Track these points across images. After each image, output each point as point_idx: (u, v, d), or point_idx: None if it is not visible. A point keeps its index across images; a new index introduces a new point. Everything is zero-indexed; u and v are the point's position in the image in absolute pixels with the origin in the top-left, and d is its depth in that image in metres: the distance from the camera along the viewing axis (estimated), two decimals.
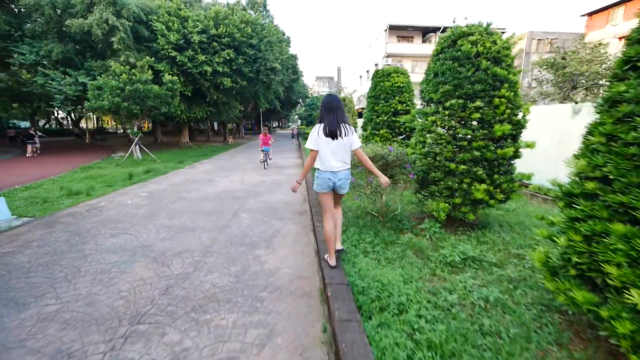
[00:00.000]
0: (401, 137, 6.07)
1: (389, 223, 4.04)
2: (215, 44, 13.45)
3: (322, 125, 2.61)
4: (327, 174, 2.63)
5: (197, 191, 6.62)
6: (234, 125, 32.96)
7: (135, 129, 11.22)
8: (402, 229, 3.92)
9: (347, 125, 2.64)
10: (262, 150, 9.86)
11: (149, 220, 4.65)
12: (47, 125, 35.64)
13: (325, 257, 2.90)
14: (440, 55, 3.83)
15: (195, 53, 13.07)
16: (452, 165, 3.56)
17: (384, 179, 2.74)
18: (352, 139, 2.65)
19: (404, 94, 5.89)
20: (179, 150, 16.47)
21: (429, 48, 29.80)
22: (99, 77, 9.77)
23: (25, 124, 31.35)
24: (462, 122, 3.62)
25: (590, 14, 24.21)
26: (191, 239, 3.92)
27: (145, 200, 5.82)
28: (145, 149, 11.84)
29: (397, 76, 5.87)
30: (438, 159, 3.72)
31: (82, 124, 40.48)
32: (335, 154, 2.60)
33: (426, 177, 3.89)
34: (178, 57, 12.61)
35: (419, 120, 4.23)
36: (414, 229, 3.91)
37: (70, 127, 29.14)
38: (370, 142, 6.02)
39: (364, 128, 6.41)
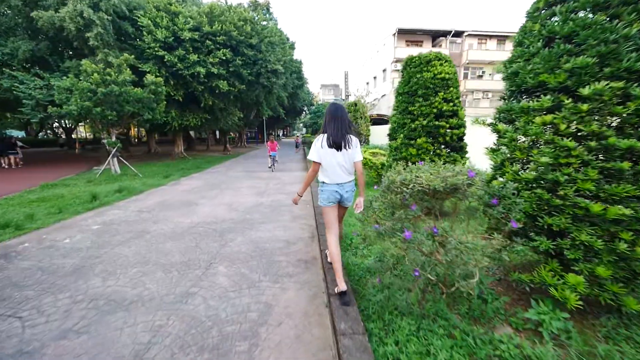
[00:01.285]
0: (445, 147, 4.38)
1: (462, 305, 2.31)
2: (209, 42, 12.05)
3: (326, 135, 2.45)
4: (334, 187, 2.48)
5: (167, 221, 4.97)
6: (237, 133, 31.60)
7: (114, 139, 9.72)
8: (488, 315, 2.19)
9: (351, 135, 2.48)
10: (270, 156, 11.10)
11: (73, 281, 2.99)
12: (40, 135, 34.64)
13: (335, 289, 2.42)
14: (556, 6, 2.17)
15: (186, 52, 11.67)
16: (595, 207, 1.87)
17: (362, 200, 2.49)
18: (355, 150, 2.48)
19: (451, 88, 4.23)
20: (170, 162, 14.97)
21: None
22: (65, 77, 8.31)
23: (20, 133, 30.38)
24: (619, 123, 1.93)
25: None
26: (118, 328, 2.25)
27: (91, 239, 4.17)
28: (124, 161, 10.32)
29: (441, 64, 4.23)
30: (563, 192, 2.02)
31: (80, 132, 39.65)
32: (342, 165, 2.45)
33: (532, 222, 2.19)
34: (166, 57, 11.21)
35: (503, 125, 2.55)
36: (510, 316, 2.19)
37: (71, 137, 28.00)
38: (403, 156, 4.33)
39: (391, 136, 4.74)
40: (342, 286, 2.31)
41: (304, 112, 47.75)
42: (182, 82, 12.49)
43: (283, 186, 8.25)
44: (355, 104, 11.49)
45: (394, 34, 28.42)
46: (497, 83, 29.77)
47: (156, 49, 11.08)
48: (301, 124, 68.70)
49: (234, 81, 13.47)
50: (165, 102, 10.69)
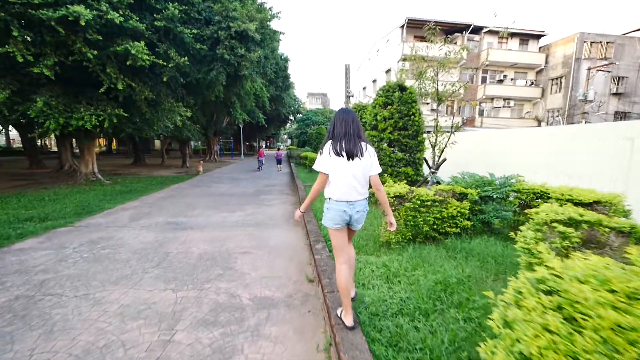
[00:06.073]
0: None
1: None
2: None
3: (333, 142, 2.02)
4: (342, 205, 2.00)
5: None
6: (209, 145, 25.00)
7: None
8: None
9: (366, 144, 2.05)
10: (259, 160, 15.80)
11: None
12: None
13: (339, 312, 2.07)
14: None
15: None
16: None
17: (391, 219, 2.13)
18: (372, 160, 2.04)
19: None
20: (61, 190, 8.44)
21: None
22: None
23: None
24: None
25: None
26: None
27: None
28: None
29: None
30: None
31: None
32: (355, 177, 1.98)
33: None
34: None
35: None
36: None
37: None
38: None
39: None
40: (348, 322, 1.93)
41: (289, 121, 41.81)
42: (51, 38, 6.24)
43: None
44: (401, 89, 5.61)
45: (402, 25, 23.53)
46: (519, 89, 25.26)
47: None
48: (285, 135, 62.59)
49: (166, 49, 7.37)
50: None
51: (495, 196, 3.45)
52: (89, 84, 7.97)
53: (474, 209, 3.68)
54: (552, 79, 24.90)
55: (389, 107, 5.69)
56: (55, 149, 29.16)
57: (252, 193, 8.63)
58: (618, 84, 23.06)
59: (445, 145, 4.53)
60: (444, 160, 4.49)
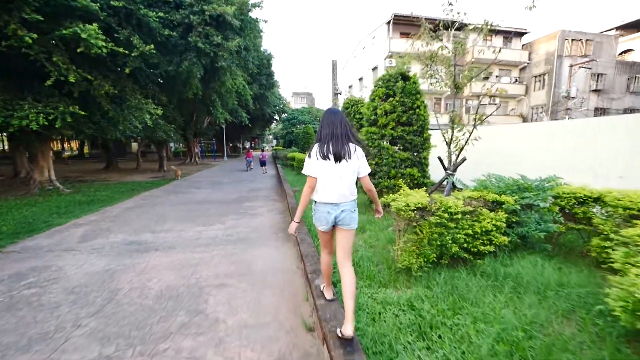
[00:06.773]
0: None
1: None
2: None
3: (320, 144, 1.97)
4: (326, 207, 1.98)
5: None
6: (190, 146, 23.45)
7: None
8: None
9: (354, 145, 1.99)
10: (247, 160, 15.63)
11: None
12: None
13: (317, 283, 2.43)
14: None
15: None
16: None
17: (379, 208, 2.23)
18: (360, 162, 2.00)
19: None
20: (6, 202, 7.15)
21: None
22: None
23: None
24: None
25: None
26: None
27: None
28: None
29: None
30: None
31: None
32: (343, 180, 1.94)
33: None
34: None
35: None
36: None
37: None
38: None
39: None
40: (329, 295, 2.20)
41: (274, 121, 40.60)
42: None
43: None
44: (403, 78, 4.89)
45: (389, 22, 23.03)
46: (504, 86, 25.63)
47: None
48: (270, 135, 61.13)
49: (128, 35, 6.28)
50: None
51: (541, 205, 2.74)
52: (37, 76, 6.73)
53: (510, 220, 2.96)
54: (536, 76, 25.24)
55: (391, 99, 4.92)
56: None
57: (235, 200, 7.66)
58: (597, 81, 23.64)
59: (466, 142, 3.85)
60: (464, 159, 3.80)
